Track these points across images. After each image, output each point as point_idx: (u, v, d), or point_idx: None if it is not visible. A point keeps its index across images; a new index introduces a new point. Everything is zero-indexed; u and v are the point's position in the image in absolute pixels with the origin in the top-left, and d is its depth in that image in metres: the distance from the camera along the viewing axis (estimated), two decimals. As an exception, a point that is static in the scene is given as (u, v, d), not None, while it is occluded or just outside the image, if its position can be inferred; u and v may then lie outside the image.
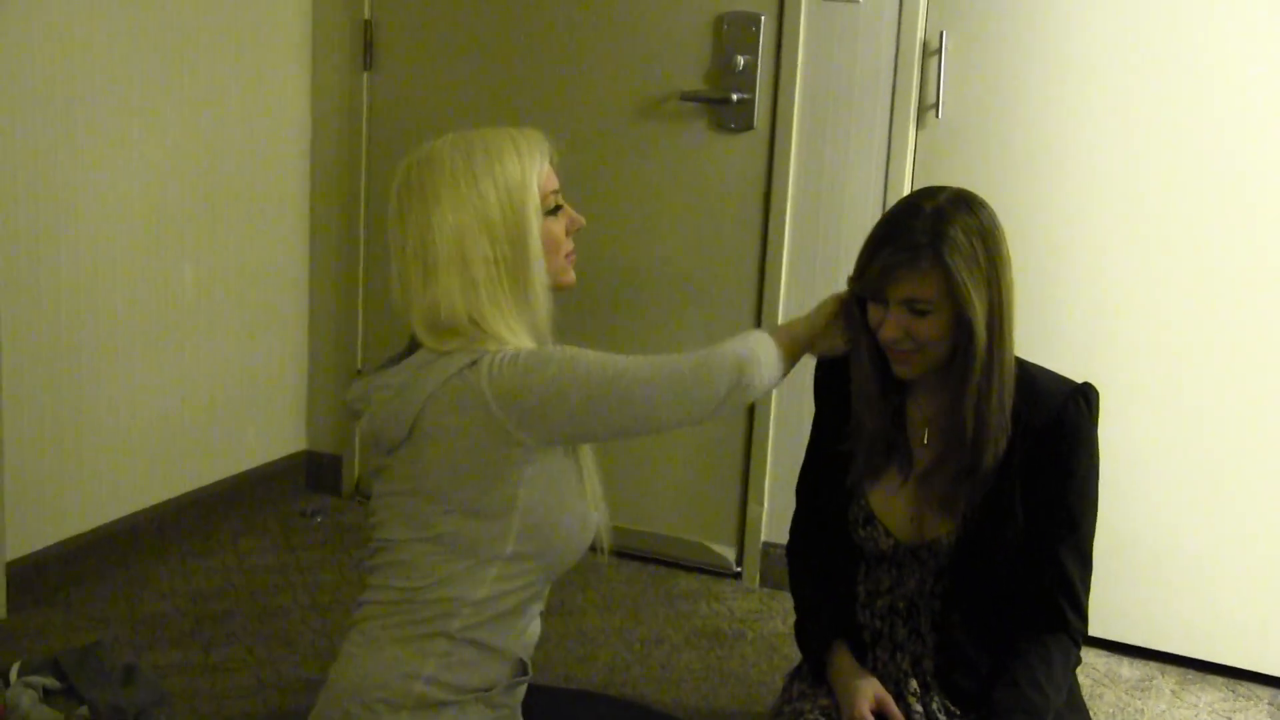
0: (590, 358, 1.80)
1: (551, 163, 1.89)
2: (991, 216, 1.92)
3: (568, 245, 1.91)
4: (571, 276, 1.93)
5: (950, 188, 1.96)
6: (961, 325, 1.89)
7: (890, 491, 2.05)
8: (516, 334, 1.80)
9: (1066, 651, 2.04)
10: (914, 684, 2.07)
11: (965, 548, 2.00)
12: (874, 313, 1.94)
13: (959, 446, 1.96)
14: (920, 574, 2.05)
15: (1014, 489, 1.98)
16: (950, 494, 1.99)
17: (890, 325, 1.90)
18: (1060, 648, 2.02)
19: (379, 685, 1.80)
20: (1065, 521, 2.01)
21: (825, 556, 2.16)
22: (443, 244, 1.78)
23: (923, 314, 1.88)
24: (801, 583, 2.22)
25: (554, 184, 1.88)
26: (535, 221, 1.82)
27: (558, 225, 1.88)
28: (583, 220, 1.93)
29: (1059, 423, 1.97)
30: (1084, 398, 2.00)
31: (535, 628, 1.97)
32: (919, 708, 2.05)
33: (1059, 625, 2.03)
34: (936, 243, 1.86)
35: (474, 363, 1.76)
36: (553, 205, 1.87)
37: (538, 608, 1.96)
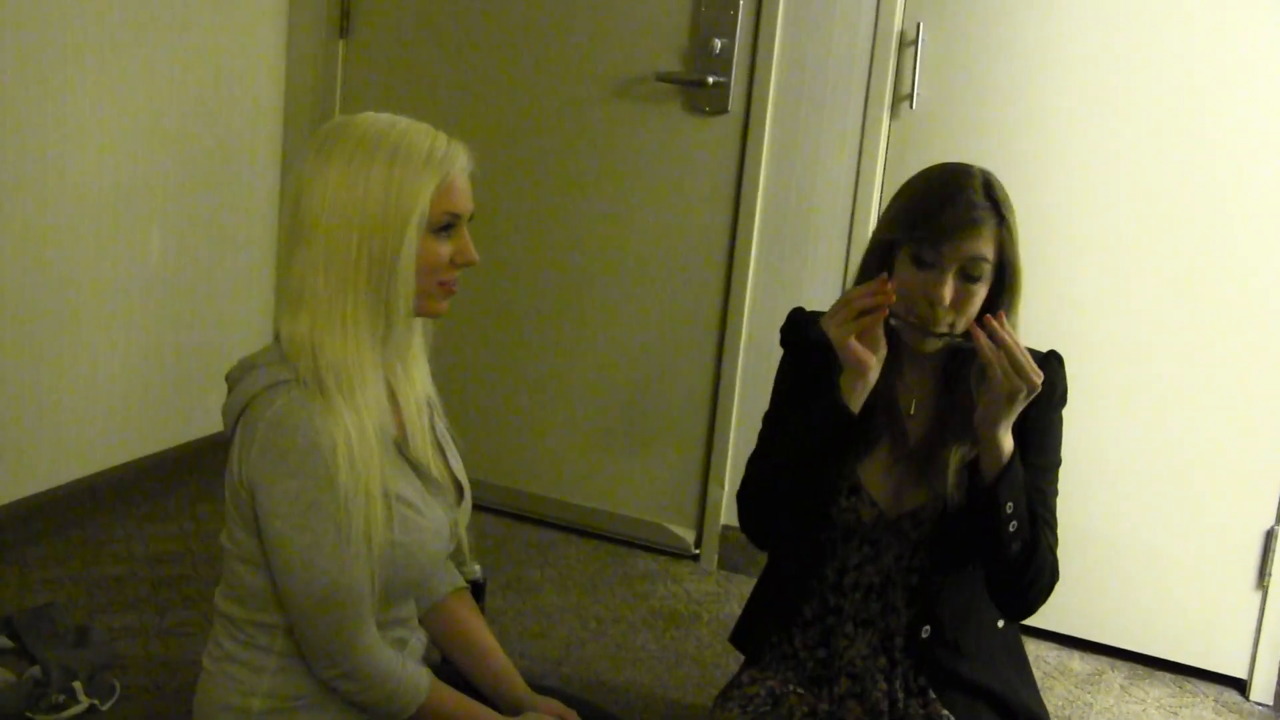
0: (322, 522, 1.63)
1: (460, 183, 1.70)
2: None
3: (446, 274, 1.71)
4: (437, 308, 1.73)
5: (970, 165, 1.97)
6: (996, 294, 1.91)
7: (874, 462, 2.04)
8: (356, 345, 1.65)
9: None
10: (882, 660, 2.07)
11: (953, 515, 1.99)
12: (921, 277, 1.89)
13: (950, 415, 1.97)
14: (898, 547, 2.04)
15: None
16: (934, 464, 1.99)
17: (950, 287, 1.87)
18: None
19: (222, 707, 1.77)
20: (1042, 475, 2.03)
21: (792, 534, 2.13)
22: (311, 215, 1.65)
23: (975, 279, 1.88)
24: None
25: (457, 205, 1.69)
26: (413, 232, 1.65)
27: (441, 248, 1.69)
28: (474, 256, 1.72)
29: (1044, 384, 1.98)
30: (1059, 359, 2.05)
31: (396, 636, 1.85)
32: (884, 685, 2.05)
33: None
34: (999, 208, 1.88)
35: (271, 387, 1.65)
36: (443, 224, 1.68)
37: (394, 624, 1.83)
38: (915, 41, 3.10)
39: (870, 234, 2.03)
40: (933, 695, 2.04)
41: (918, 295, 1.90)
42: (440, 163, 1.67)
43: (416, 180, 1.65)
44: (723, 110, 3.29)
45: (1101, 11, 2.98)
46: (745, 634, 2.24)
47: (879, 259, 1.96)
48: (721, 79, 3.27)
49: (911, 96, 3.13)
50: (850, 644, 2.08)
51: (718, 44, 3.26)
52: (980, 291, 1.90)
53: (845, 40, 3.17)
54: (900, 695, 2.05)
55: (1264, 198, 2.92)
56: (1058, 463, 2.07)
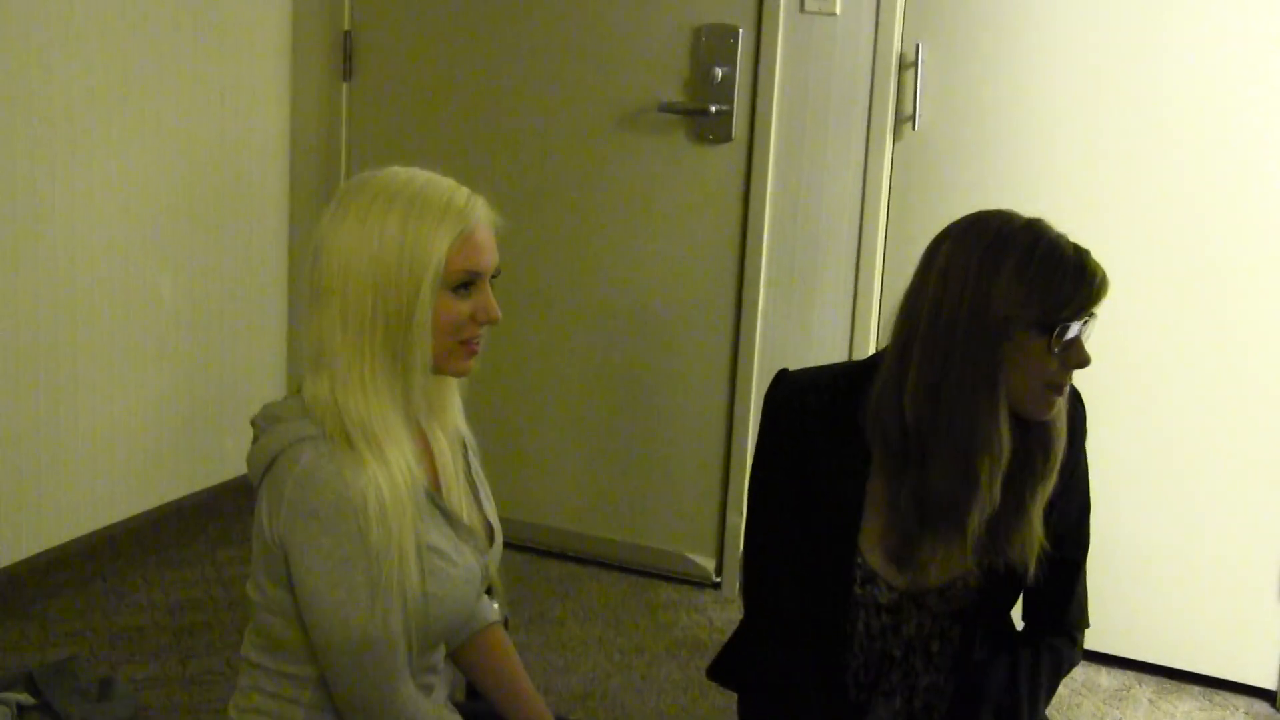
0: (355, 577, 1.61)
1: (481, 238, 1.65)
2: None
3: (469, 332, 1.66)
4: (460, 367, 1.69)
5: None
6: None
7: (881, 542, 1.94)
8: (379, 403, 1.62)
9: (1058, 653, 2.00)
10: None
11: (994, 579, 1.92)
12: (1061, 353, 1.79)
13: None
14: (919, 617, 1.97)
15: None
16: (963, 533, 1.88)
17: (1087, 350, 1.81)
18: (1052, 652, 1.99)
19: None
20: (1080, 521, 1.99)
21: (811, 641, 1.98)
22: (328, 272, 1.62)
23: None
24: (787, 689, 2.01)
25: (476, 263, 1.64)
26: (429, 289, 1.60)
27: (461, 305, 1.64)
28: (496, 314, 1.67)
29: (1072, 427, 1.93)
30: (1080, 398, 1.98)
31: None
32: None
33: (1063, 627, 2.01)
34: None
35: (297, 443, 1.62)
36: (460, 282, 1.63)
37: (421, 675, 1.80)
38: (915, 62, 3.11)
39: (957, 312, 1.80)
40: None
41: (1056, 373, 1.80)
42: (458, 217, 1.62)
43: (432, 235, 1.61)
44: (726, 138, 3.30)
45: (1099, 28, 2.98)
46: (736, 669, 2.15)
47: (1000, 343, 1.78)
48: (724, 107, 3.28)
49: (914, 117, 3.13)
50: (870, 711, 2.00)
51: (719, 73, 3.27)
52: None
53: (846, 64, 3.18)
54: None
55: (1272, 203, 2.92)
56: (1090, 510, 2.02)
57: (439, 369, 1.68)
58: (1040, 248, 1.79)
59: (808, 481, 1.92)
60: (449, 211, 1.62)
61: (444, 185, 1.65)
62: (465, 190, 1.66)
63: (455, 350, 1.66)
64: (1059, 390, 1.82)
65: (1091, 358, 1.80)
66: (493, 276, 1.69)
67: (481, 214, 1.66)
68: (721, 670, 2.19)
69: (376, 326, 1.61)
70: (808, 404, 1.93)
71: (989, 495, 1.81)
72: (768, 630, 2.02)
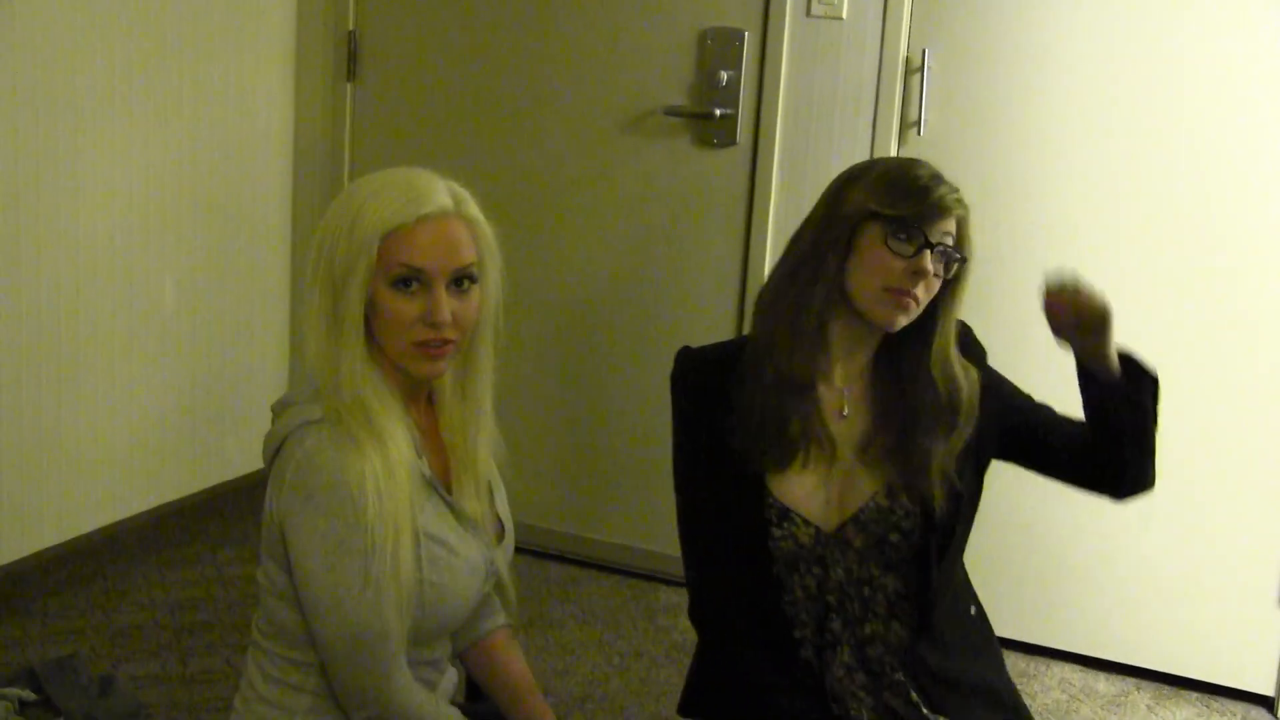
0: (351, 562, 1.61)
1: (424, 234, 1.62)
2: None
3: (420, 334, 1.63)
4: (420, 369, 1.66)
5: None
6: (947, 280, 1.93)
7: (800, 479, 1.96)
8: (357, 374, 1.64)
9: None
10: (861, 676, 1.98)
11: (944, 516, 1.96)
12: (899, 255, 1.86)
13: (898, 406, 1.95)
14: (845, 560, 1.96)
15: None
16: (898, 463, 1.95)
17: (934, 259, 1.87)
18: None
19: None
20: (1030, 398, 2.09)
21: (748, 599, 2.00)
22: (309, 259, 1.67)
23: (952, 259, 1.90)
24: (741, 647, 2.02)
25: (414, 258, 1.61)
26: (359, 277, 1.60)
27: (400, 303, 1.62)
28: (443, 317, 1.62)
29: (971, 359, 2.02)
30: (969, 329, 2.07)
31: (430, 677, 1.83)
32: (870, 701, 1.97)
33: None
34: (962, 197, 1.90)
35: (303, 427, 1.64)
36: (399, 276, 1.61)
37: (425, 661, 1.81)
38: (921, 68, 3.11)
39: (818, 212, 1.99)
40: (925, 711, 1.96)
41: (895, 276, 1.86)
42: (404, 207, 1.61)
43: (368, 225, 1.61)
44: (731, 142, 3.31)
45: (1105, 34, 2.99)
46: (705, 701, 2.12)
47: (845, 233, 1.91)
48: (729, 111, 3.29)
49: (919, 123, 3.14)
50: (825, 669, 1.98)
51: (724, 76, 3.27)
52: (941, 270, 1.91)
53: (851, 69, 3.19)
54: (897, 704, 1.99)
55: (1277, 211, 2.93)
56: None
57: (404, 368, 1.68)
58: (900, 164, 1.94)
59: (716, 440, 1.96)
60: (395, 198, 1.62)
61: (409, 179, 1.65)
62: (441, 189, 1.65)
63: (410, 352, 1.65)
64: (898, 294, 1.87)
65: (930, 269, 1.85)
66: (468, 280, 1.66)
67: (435, 205, 1.63)
68: (691, 704, 2.16)
69: (328, 309, 1.64)
70: (704, 369, 2.02)
71: (802, 356, 1.94)
72: (718, 608, 2.03)
